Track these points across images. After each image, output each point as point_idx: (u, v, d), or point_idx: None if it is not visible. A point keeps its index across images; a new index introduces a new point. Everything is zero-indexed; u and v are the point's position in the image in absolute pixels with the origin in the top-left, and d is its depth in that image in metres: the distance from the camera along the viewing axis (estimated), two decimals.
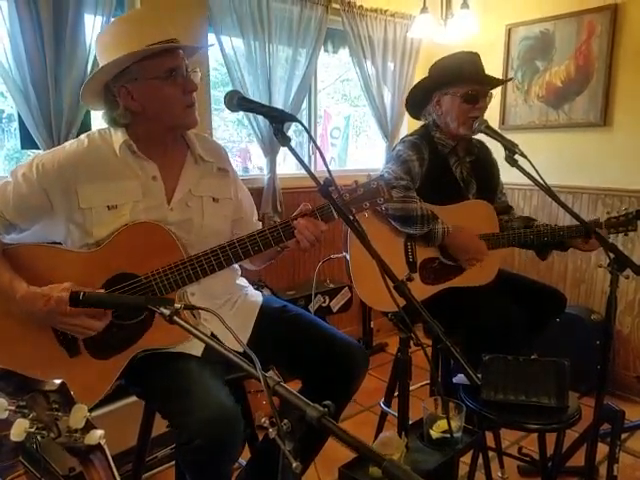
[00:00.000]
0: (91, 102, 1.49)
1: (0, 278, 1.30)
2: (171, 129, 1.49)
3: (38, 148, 2.22)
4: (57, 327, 1.34)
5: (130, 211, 1.42)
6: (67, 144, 1.47)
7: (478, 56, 2.13)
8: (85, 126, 2.34)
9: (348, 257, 2.00)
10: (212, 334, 1.50)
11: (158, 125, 1.46)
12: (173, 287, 1.40)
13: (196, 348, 1.45)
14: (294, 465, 0.78)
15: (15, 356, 1.32)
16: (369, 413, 2.74)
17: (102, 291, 1.37)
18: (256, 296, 1.73)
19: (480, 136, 2.13)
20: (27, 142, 2.25)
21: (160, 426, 2.06)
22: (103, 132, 1.49)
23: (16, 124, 2.39)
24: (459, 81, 2.06)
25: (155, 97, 1.41)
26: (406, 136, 2.23)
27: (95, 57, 2.21)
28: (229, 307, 1.63)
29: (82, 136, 1.48)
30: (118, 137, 1.44)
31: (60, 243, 1.48)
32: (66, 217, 1.41)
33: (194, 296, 1.52)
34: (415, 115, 2.31)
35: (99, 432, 0.69)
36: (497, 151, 2.26)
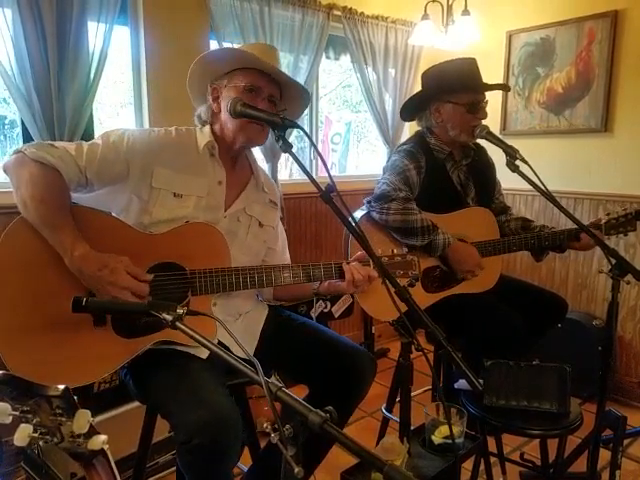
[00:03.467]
0: (192, 89, 1.64)
1: (65, 233, 1.32)
2: (234, 138, 1.57)
3: None
4: (99, 292, 1.34)
5: (193, 205, 1.52)
6: (155, 129, 1.58)
7: (476, 62, 2.13)
8: (88, 133, 2.36)
9: None
10: (219, 342, 1.52)
11: (226, 132, 1.57)
12: (214, 289, 1.48)
13: (202, 351, 1.47)
14: (296, 470, 0.78)
15: (41, 310, 1.33)
16: (371, 419, 2.73)
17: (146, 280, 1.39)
18: (263, 306, 1.77)
19: (479, 140, 2.14)
20: None
21: (161, 432, 2.06)
22: (189, 129, 1.61)
23: (18, 130, 2.40)
24: (462, 90, 2.07)
25: (228, 102, 1.51)
26: (401, 145, 2.23)
27: (98, 64, 2.27)
28: (234, 318, 1.65)
29: (170, 127, 1.60)
30: (205, 136, 1.58)
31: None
32: (134, 189, 1.48)
33: (215, 306, 1.56)
34: (407, 119, 2.33)
35: (102, 437, 0.70)
36: (498, 156, 2.28)
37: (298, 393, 0.91)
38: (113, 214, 1.52)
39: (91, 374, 1.38)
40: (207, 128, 1.60)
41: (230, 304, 1.60)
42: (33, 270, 1.34)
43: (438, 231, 2.00)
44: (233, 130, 1.55)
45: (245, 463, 1.79)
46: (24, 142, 2.31)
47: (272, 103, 1.57)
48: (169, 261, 1.45)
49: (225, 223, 1.58)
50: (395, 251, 1.63)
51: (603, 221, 2.08)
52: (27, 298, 1.33)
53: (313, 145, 1.38)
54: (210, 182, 1.56)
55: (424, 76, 2.21)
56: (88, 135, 2.34)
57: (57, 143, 1.44)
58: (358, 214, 2.12)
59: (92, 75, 2.27)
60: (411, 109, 2.23)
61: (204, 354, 1.47)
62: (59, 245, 1.32)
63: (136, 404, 1.78)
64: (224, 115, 1.55)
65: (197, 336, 0.98)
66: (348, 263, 1.59)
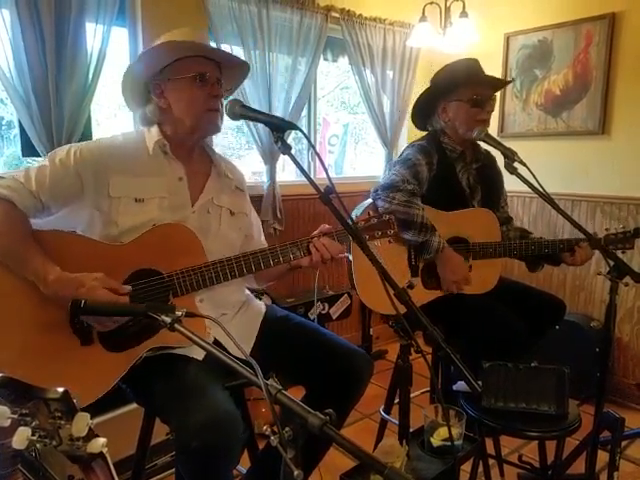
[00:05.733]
0: (128, 96, 1.58)
1: (33, 260, 1.31)
2: (193, 131, 1.54)
3: (39, 156, 2.22)
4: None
5: (157, 207, 1.48)
6: (102, 138, 1.56)
7: (477, 61, 2.16)
8: (86, 134, 2.35)
9: (351, 257, 2.01)
10: (215, 340, 1.52)
11: (182, 126, 1.53)
12: (194, 287, 1.46)
13: (198, 352, 1.46)
14: (295, 473, 0.78)
15: (25, 340, 1.32)
16: (369, 421, 2.73)
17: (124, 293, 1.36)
18: (259, 305, 1.76)
19: (484, 145, 2.15)
20: (28, 149, 2.25)
21: (159, 434, 2.05)
22: (138, 131, 1.58)
23: (15, 131, 2.40)
24: (463, 86, 2.09)
25: (180, 96, 1.50)
26: (415, 141, 2.24)
27: (96, 65, 2.27)
28: (232, 315, 1.65)
29: (118, 133, 1.57)
30: (152, 135, 1.53)
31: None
32: (93, 203, 1.45)
33: (202, 303, 1.54)
34: (421, 126, 2.33)
35: (102, 440, 0.69)
36: (499, 160, 2.28)
37: (294, 395, 0.90)
38: (78, 231, 1.49)
39: (90, 394, 1.34)
40: (154, 127, 1.54)
41: (217, 298, 1.57)
42: (8, 303, 1.32)
43: (435, 233, 2.01)
44: (192, 123, 1.51)
45: (244, 465, 1.79)
46: (22, 143, 2.30)
47: (219, 85, 1.54)
48: (144, 268, 1.43)
49: (195, 219, 1.55)
50: (371, 213, 1.64)
51: (601, 235, 2.07)
52: (9, 332, 1.31)
53: (312, 147, 1.38)
54: (170, 181, 1.53)
55: (432, 79, 2.23)
56: (86, 136, 2.34)
57: (3, 173, 1.42)
58: (354, 212, 2.13)
59: (90, 76, 2.27)
60: (421, 111, 2.24)
61: (200, 355, 1.46)
62: (30, 274, 1.31)
63: (134, 406, 1.77)
64: (177, 110, 1.51)
65: (195, 338, 0.97)
66: (318, 238, 1.57)
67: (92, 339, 1.38)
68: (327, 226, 1.60)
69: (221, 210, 1.62)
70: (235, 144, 3.94)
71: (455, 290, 2.07)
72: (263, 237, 1.84)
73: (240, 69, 1.66)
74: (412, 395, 1.68)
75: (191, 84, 1.49)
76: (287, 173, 3.48)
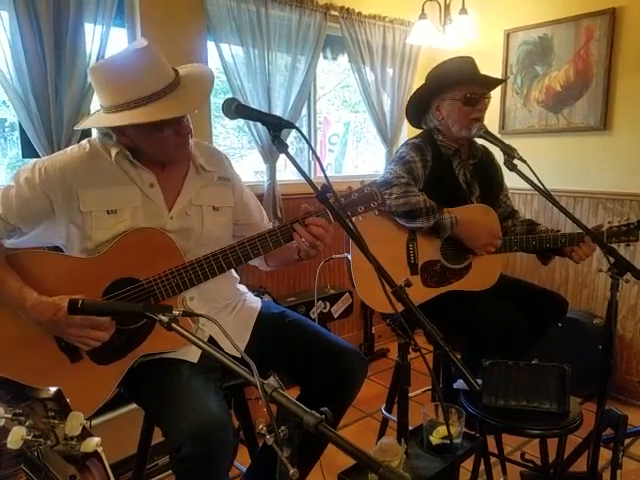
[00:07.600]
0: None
1: (9, 286, 1.30)
2: (164, 163, 1.50)
3: (39, 157, 2.23)
4: (64, 337, 1.34)
5: (130, 217, 1.43)
6: (68, 149, 1.49)
7: (472, 59, 2.15)
8: (86, 135, 2.34)
9: (349, 257, 2.01)
10: (211, 337, 1.52)
11: (152, 157, 1.47)
12: (175, 291, 1.42)
13: (193, 354, 1.45)
14: (291, 472, 0.78)
15: (15, 362, 1.32)
16: (371, 419, 2.73)
17: (101, 300, 1.37)
18: (255, 302, 1.74)
19: (480, 141, 2.14)
20: (28, 151, 2.26)
21: (160, 434, 2.05)
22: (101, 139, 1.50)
23: (18, 133, 2.40)
24: (456, 84, 2.08)
25: (147, 140, 1.42)
26: (409, 139, 2.24)
27: None
28: (228, 312, 1.64)
29: (83, 141, 1.50)
30: (116, 146, 1.45)
31: (58, 248, 1.50)
32: (67, 219, 1.42)
33: (193, 300, 1.52)
34: (416, 124, 2.32)
35: (96, 439, 0.69)
36: (496, 156, 2.27)
37: (291, 394, 0.90)
38: (58, 246, 1.48)
39: (88, 406, 1.33)
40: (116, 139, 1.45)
41: (206, 294, 1.54)
42: None
43: (443, 211, 2.00)
44: (162, 158, 1.47)
45: (244, 463, 1.79)
46: (22, 145, 2.31)
47: (187, 119, 1.45)
48: (121, 277, 1.40)
49: (174, 223, 1.49)
50: (352, 188, 1.54)
51: (605, 228, 2.06)
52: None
53: (309, 145, 1.35)
54: (141, 188, 1.46)
55: (427, 76, 2.23)
56: (86, 137, 2.33)
57: None
58: None
59: (89, 77, 2.27)
60: (416, 109, 2.24)
61: (195, 358, 1.45)
62: (9, 301, 1.30)
63: (135, 407, 1.77)
64: (145, 148, 1.44)
65: (192, 337, 0.97)
66: (304, 223, 1.45)
67: (80, 355, 1.38)
68: (309, 207, 1.48)
69: (202, 209, 1.55)
70: (237, 144, 3.94)
71: (491, 250, 2.06)
72: (266, 219, 1.78)
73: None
74: (414, 393, 1.67)
75: (158, 130, 1.39)
76: (289, 172, 3.47)
